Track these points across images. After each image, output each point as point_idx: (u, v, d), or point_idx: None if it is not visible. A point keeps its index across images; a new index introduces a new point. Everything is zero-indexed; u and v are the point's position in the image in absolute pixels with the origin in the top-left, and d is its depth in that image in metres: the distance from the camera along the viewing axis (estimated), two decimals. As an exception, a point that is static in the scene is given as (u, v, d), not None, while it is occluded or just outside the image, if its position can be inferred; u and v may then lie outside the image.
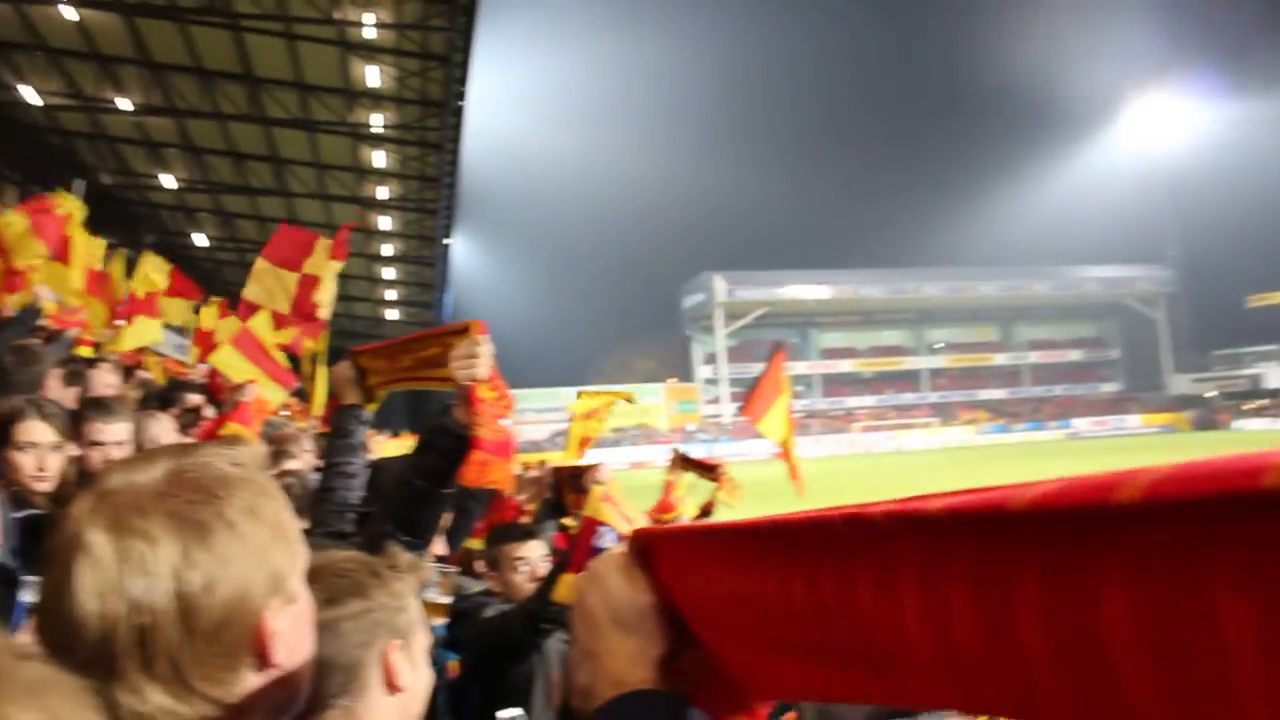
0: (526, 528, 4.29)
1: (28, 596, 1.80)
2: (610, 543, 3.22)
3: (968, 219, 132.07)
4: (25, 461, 3.43)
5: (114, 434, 4.11)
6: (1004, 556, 0.62)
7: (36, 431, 3.49)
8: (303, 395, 13.42)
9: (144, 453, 1.21)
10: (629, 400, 9.74)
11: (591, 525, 3.33)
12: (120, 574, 1.06)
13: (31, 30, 25.13)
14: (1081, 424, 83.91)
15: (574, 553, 3.39)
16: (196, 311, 14.34)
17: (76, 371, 5.25)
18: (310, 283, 8.72)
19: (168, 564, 1.07)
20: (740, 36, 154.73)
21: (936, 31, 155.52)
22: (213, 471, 1.16)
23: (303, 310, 8.75)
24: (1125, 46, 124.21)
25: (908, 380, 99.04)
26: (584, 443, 9.29)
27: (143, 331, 11.90)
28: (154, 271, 13.24)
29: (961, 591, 0.65)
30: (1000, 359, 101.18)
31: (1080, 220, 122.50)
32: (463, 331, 2.72)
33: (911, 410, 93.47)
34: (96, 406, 4.21)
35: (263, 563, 1.15)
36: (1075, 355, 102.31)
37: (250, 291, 8.80)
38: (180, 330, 17.90)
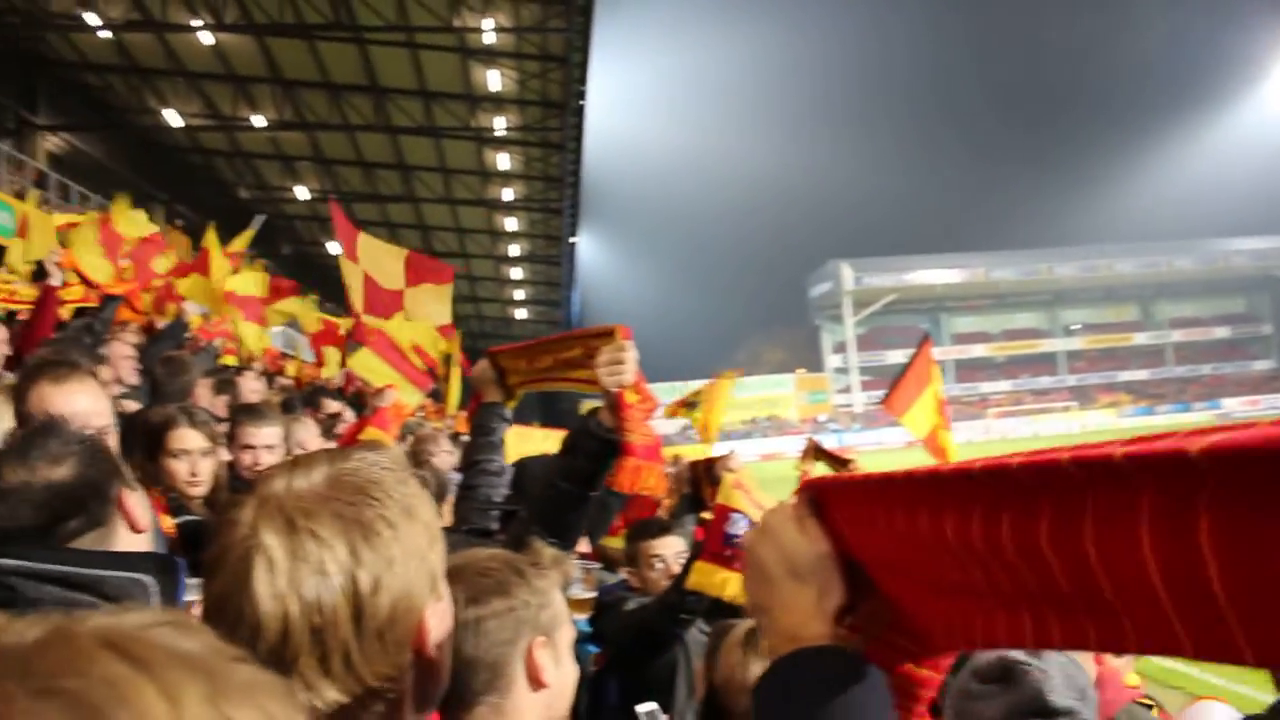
0: (663, 524, 4.28)
1: (191, 595, 1.90)
2: (743, 529, 3.23)
3: (1101, 196, 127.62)
4: (179, 468, 3.58)
5: (265, 438, 4.27)
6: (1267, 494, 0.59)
7: (188, 439, 3.63)
8: (437, 395, 13.75)
9: (299, 458, 1.23)
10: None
11: (724, 512, 3.33)
12: (296, 575, 1.08)
13: (172, 56, 26.30)
14: (1232, 404, 79.99)
15: (708, 540, 3.40)
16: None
17: (226, 380, 5.47)
18: (380, 294, 8.77)
19: (339, 564, 1.09)
20: (860, 22, 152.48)
21: (1064, 3, 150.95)
22: (368, 475, 1.18)
23: (379, 309, 8.81)
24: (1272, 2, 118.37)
25: (1043, 363, 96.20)
26: (706, 430, 9.30)
27: (255, 337, 12.32)
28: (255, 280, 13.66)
29: (1213, 532, 0.62)
30: (1141, 339, 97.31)
31: (1224, 191, 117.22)
32: (607, 335, 2.71)
33: (1048, 394, 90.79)
34: (248, 412, 4.40)
35: (422, 563, 1.17)
36: (1223, 332, 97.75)
37: (347, 280, 8.89)
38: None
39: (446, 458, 6.07)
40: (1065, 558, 0.73)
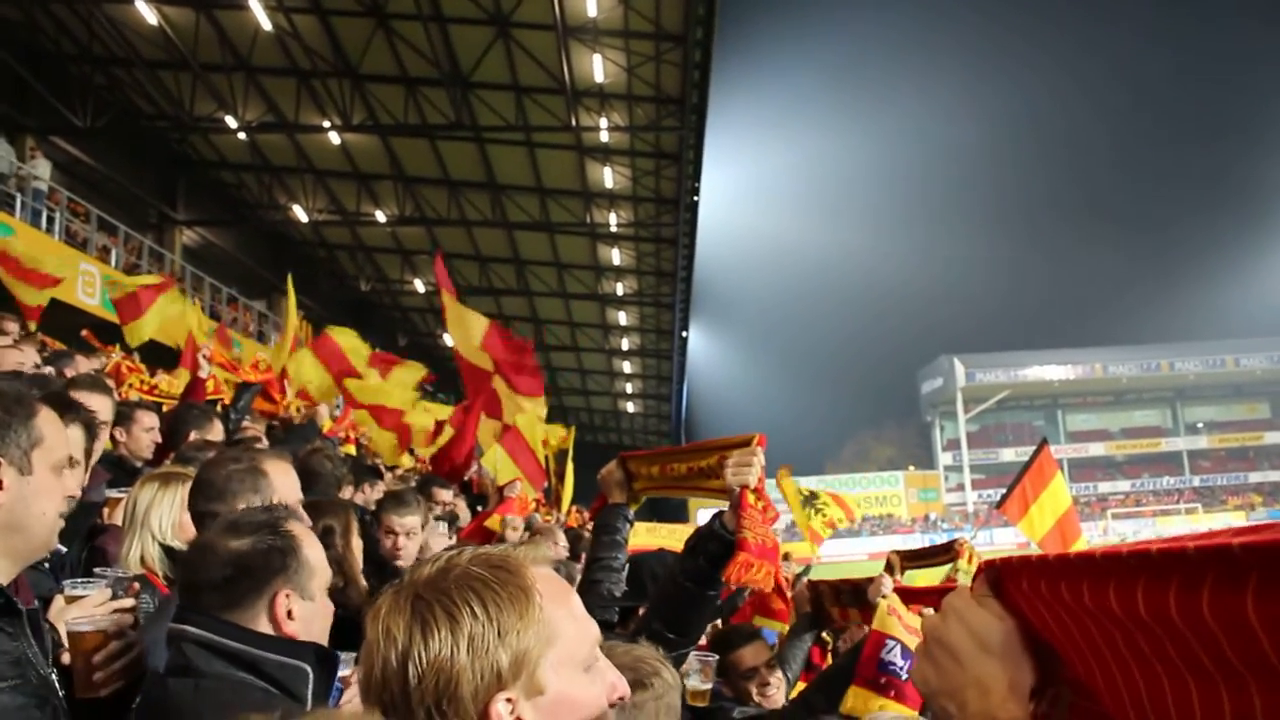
0: (750, 631, 4.24)
1: (345, 669, 2.09)
2: (898, 656, 3.28)
3: (1223, 289, 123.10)
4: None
5: (407, 525, 4.77)
6: None
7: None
8: (548, 492, 13.95)
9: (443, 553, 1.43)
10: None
11: (880, 639, 3.36)
12: (370, 649, 1.35)
13: (302, 155, 27.59)
14: (1372, 507, 76.14)
15: (862, 666, 3.40)
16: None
17: (367, 475, 5.82)
18: (475, 375, 9.09)
19: (402, 645, 1.33)
20: (974, 116, 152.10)
21: (1193, 87, 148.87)
22: (461, 575, 1.37)
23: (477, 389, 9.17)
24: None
25: (1166, 463, 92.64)
26: (819, 533, 9.30)
27: (392, 450, 12.71)
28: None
29: None
30: (1273, 438, 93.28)
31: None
32: (744, 444, 2.84)
33: (1171, 495, 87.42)
34: (393, 500, 4.94)
35: (486, 654, 1.32)
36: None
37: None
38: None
39: (559, 550, 6.21)
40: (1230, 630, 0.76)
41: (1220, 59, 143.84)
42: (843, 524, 10.23)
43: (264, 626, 2.01)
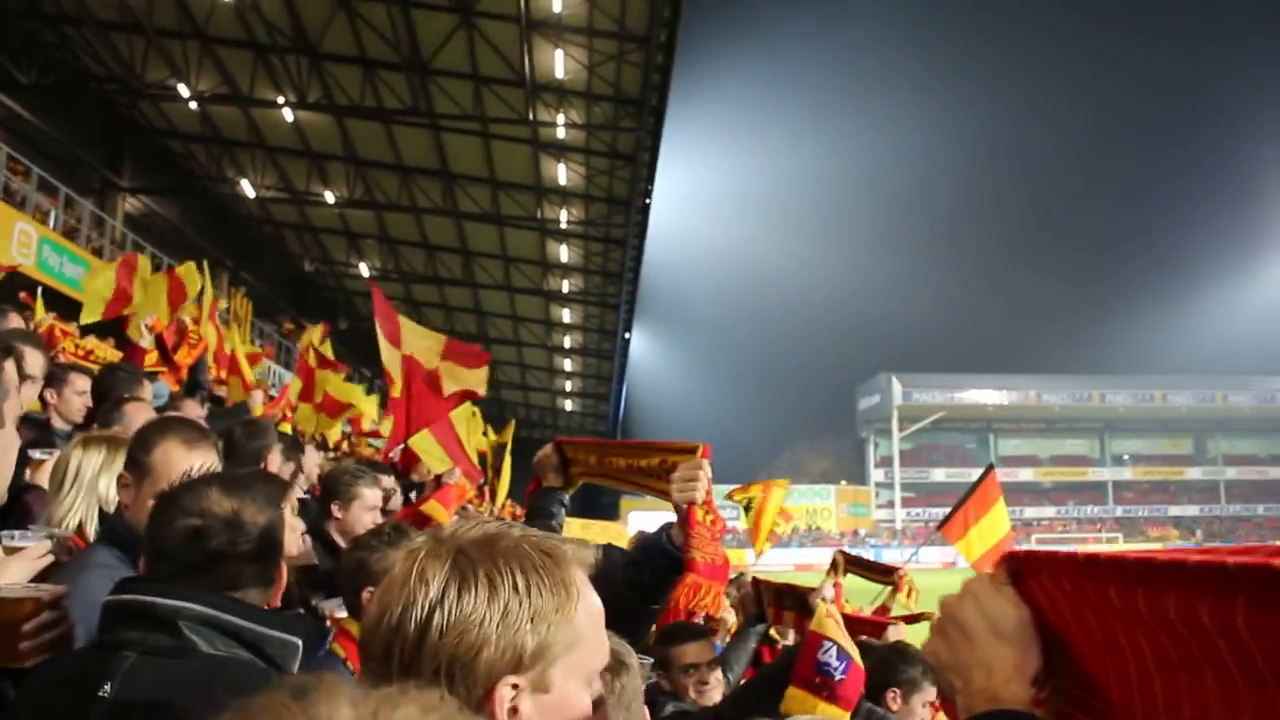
0: (696, 629, 4.24)
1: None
2: (833, 657, 3.34)
3: (1159, 325, 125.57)
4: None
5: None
6: None
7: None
8: (482, 486, 13.87)
9: (479, 520, 1.40)
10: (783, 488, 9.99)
11: (817, 640, 3.42)
12: (390, 595, 1.31)
13: (254, 129, 27.18)
14: (1285, 547, 77.72)
15: (799, 666, 3.44)
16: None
17: (295, 450, 5.65)
18: (420, 372, 8.82)
19: (429, 600, 1.28)
20: (920, 140, 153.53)
21: (1128, 125, 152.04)
22: (509, 544, 1.35)
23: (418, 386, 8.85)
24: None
25: (1091, 492, 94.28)
26: (772, 538, 9.35)
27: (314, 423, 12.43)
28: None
29: None
30: (1194, 473, 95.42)
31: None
32: (689, 451, 2.75)
33: (1094, 523, 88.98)
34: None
35: (510, 631, 1.29)
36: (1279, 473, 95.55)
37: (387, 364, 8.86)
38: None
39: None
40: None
41: (1172, 90, 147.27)
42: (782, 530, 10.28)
43: (254, 600, 1.96)
